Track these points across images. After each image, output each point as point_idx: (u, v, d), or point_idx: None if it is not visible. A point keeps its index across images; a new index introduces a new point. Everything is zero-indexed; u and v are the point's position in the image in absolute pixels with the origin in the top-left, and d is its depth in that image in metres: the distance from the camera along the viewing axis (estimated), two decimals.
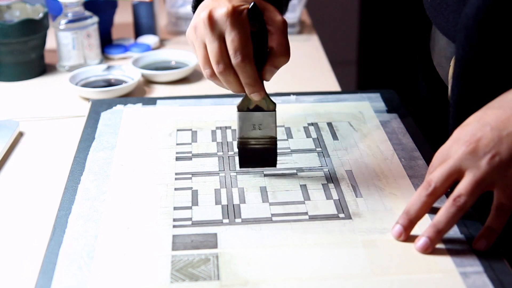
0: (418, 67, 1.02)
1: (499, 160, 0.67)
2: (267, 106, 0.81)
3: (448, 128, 0.80)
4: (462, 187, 0.68)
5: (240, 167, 0.85)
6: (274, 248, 0.71)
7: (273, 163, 0.85)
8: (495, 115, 0.69)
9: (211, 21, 0.75)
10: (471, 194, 0.67)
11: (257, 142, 0.83)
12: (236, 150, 0.90)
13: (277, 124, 0.97)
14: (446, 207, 0.68)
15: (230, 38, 0.75)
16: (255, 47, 0.77)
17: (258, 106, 0.81)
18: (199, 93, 1.14)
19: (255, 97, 0.79)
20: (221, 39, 0.76)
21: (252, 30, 0.77)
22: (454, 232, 0.73)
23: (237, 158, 0.88)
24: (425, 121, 1.00)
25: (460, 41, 0.77)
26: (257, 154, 0.83)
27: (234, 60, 0.75)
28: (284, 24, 0.78)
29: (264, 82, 0.81)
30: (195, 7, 0.84)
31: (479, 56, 0.76)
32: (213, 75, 0.78)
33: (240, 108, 0.82)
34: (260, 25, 0.77)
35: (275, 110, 0.82)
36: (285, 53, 0.78)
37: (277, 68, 0.79)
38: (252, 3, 0.77)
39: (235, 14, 0.75)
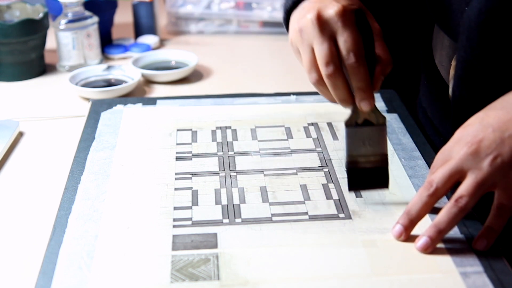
0: (420, 66, 1.02)
1: (501, 162, 0.67)
2: (377, 119, 0.75)
3: (449, 128, 0.80)
4: (464, 188, 0.68)
5: (349, 189, 0.78)
6: (274, 248, 0.71)
7: (385, 184, 0.78)
8: (497, 116, 0.69)
9: (321, 21, 0.72)
10: (473, 195, 0.67)
11: (367, 160, 0.76)
12: (236, 150, 0.90)
13: (278, 124, 0.97)
14: (447, 207, 0.68)
15: (343, 39, 0.71)
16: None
17: (367, 120, 0.75)
18: (199, 93, 1.13)
19: (365, 106, 0.73)
20: (332, 40, 0.72)
21: None
22: (454, 232, 0.73)
23: (237, 158, 0.88)
24: (425, 121, 1.00)
25: (462, 43, 0.77)
26: (368, 174, 0.77)
27: (348, 61, 0.71)
28: (380, 30, 0.75)
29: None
30: (288, 11, 0.80)
31: (481, 58, 0.76)
32: (319, 81, 0.74)
33: (349, 124, 0.75)
34: (366, 31, 0.73)
35: (385, 124, 0.76)
36: (390, 60, 0.75)
37: (385, 76, 0.75)
38: (357, 9, 0.73)
39: (346, 14, 0.71)
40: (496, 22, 0.73)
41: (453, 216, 0.68)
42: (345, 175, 0.83)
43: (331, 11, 0.72)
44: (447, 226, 0.69)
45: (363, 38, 0.73)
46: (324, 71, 0.72)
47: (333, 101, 0.77)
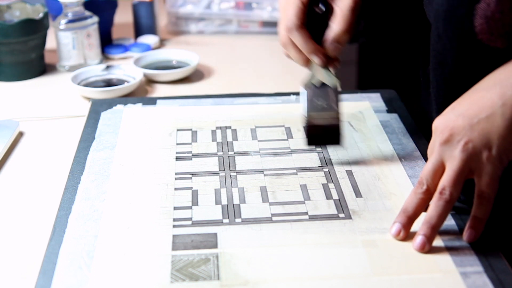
0: (419, 62, 1.02)
1: (472, 147, 0.68)
2: (332, 82, 0.84)
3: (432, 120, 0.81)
4: (445, 179, 0.69)
5: (308, 144, 0.86)
6: (274, 248, 0.71)
7: (337, 141, 0.85)
8: (467, 104, 0.70)
9: None
10: (454, 185, 0.68)
11: (322, 117, 0.84)
12: (236, 150, 0.90)
13: (278, 124, 0.97)
14: (434, 202, 0.69)
15: (287, 10, 0.84)
16: (318, 25, 0.83)
17: (323, 83, 0.84)
18: (200, 92, 1.13)
19: (316, 60, 0.83)
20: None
21: (317, 11, 0.84)
22: (454, 231, 0.73)
23: (237, 158, 0.88)
24: (425, 120, 1.00)
25: (432, 32, 0.78)
26: (323, 131, 0.85)
27: (286, 27, 0.83)
28: (353, 3, 0.81)
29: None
30: None
31: (446, 47, 0.77)
32: (284, 43, 0.86)
33: (305, 85, 0.85)
34: (325, 5, 0.83)
35: (338, 86, 0.84)
36: (342, 29, 0.82)
37: (339, 43, 0.83)
38: None
39: None
40: (457, 10, 0.74)
41: (441, 209, 0.69)
42: (345, 176, 0.84)
43: None
44: (437, 220, 0.69)
45: (324, 14, 0.83)
46: (280, 38, 0.85)
47: (298, 62, 0.86)
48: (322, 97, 0.84)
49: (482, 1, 0.72)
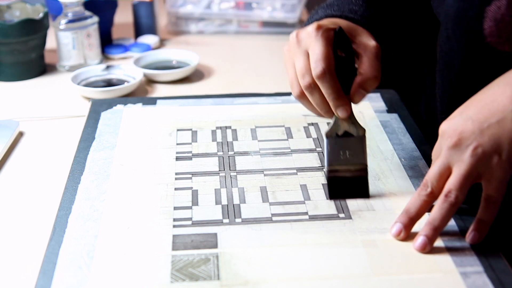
0: (425, 61, 1.02)
1: (482, 152, 0.67)
2: (357, 131, 0.78)
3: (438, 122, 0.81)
4: (451, 182, 0.69)
5: (330, 198, 0.79)
6: (274, 248, 0.71)
7: (365, 194, 0.79)
8: (477, 108, 0.69)
9: (298, 39, 0.77)
10: (461, 188, 0.68)
11: (347, 169, 0.79)
12: (236, 150, 0.90)
13: (278, 124, 0.97)
14: (439, 204, 0.69)
15: (312, 51, 0.75)
16: (343, 70, 0.76)
17: (347, 131, 0.78)
18: (200, 92, 1.13)
19: (340, 113, 0.76)
20: (307, 55, 0.76)
21: (340, 54, 0.76)
22: (454, 232, 0.73)
23: (237, 158, 0.88)
24: (425, 120, 1.00)
25: (441, 33, 0.78)
26: (348, 183, 0.79)
27: (314, 71, 0.74)
28: (376, 48, 0.77)
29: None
30: None
31: (454, 48, 0.77)
32: (300, 94, 0.78)
33: (329, 135, 0.78)
34: (347, 49, 0.77)
35: (364, 136, 0.78)
36: (373, 75, 0.76)
37: (366, 90, 0.77)
38: (338, 28, 0.77)
39: (318, 30, 0.76)
40: (467, 11, 0.74)
41: (446, 212, 0.69)
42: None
43: (308, 29, 0.76)
44: (441, 222, 0.69)
45: (345, 58, 0.77)
46: (301, 83, 0.76)
47: (316, 113, 0.79)
48: (347, 147, 0.78)
49: (493, 3, 0.72)
